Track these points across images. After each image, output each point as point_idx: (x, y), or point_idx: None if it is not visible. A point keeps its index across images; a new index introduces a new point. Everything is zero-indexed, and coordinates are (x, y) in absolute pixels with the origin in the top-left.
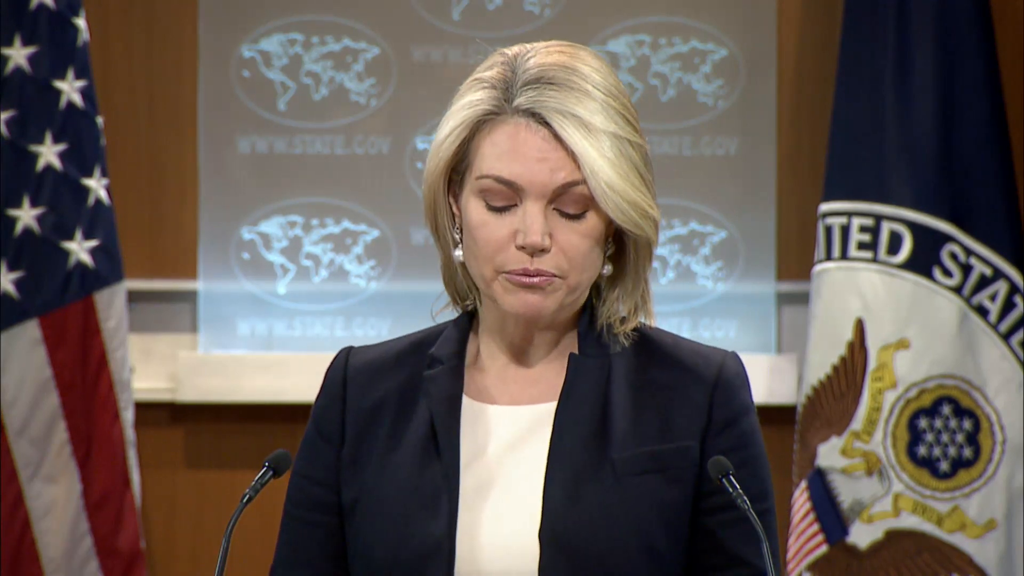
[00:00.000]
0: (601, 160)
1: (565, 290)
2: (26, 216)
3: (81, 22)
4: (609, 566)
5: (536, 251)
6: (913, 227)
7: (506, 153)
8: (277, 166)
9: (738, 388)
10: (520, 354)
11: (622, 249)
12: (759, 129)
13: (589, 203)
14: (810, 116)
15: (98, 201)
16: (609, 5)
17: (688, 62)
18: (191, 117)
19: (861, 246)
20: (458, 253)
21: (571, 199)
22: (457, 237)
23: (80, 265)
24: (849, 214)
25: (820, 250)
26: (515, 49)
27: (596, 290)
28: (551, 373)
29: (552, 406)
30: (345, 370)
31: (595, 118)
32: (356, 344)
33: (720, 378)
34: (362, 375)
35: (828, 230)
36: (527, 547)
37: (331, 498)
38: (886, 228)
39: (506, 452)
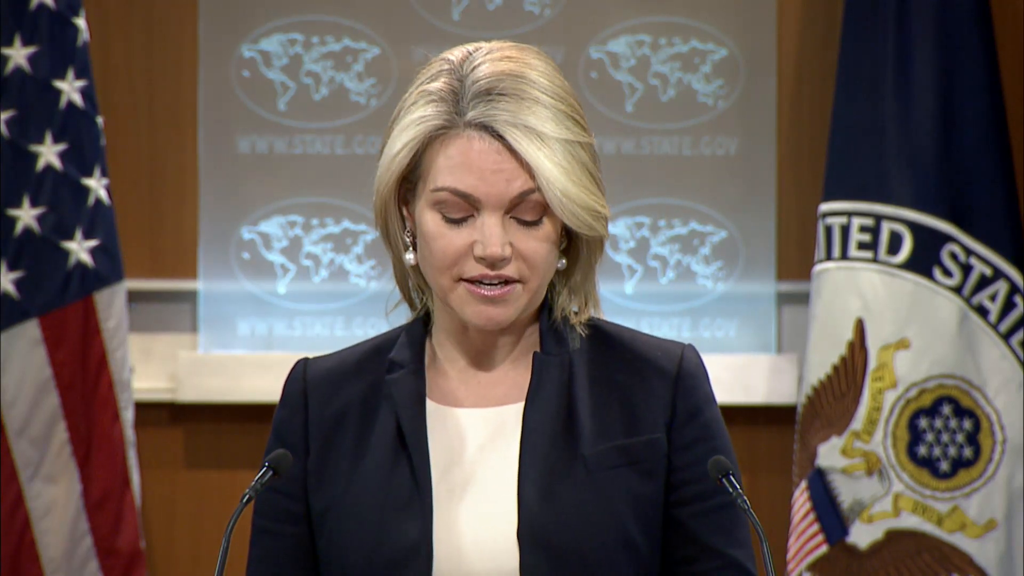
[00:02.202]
0: (555, 169)
1: (526, 296)
2: (26, 216)
3: (81, 22)
4: (588, 561)
5: (496, 262)
6: (913, 227)
7: (461, 166)
8: (277, 166)
9: (699, 380)
10: (480, 356)
11: (572, 242)
12: (759, 129)
13: (545, 210)
14: (810, 116)
15: (98, 201)
16: (609, 5)
17: (688, 62)
18: (191, 117)
19: (861, 246)
20: (409, 256)
21: (528, 207)
22: (408, 240)
23: (80, 265)
24: (849, 214)
25: (820, 250)
26: (459, 55)
27: (552, 286)
28: (513, 373)
29: (518, 407)
30: (304, 381)
31: (546, 126)
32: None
33: (681, 371)
34: (322, 385)
35: (828, 230)
36: (507, 546)
37: (299, 508)
38: (886, 228)
39: (477, 454)
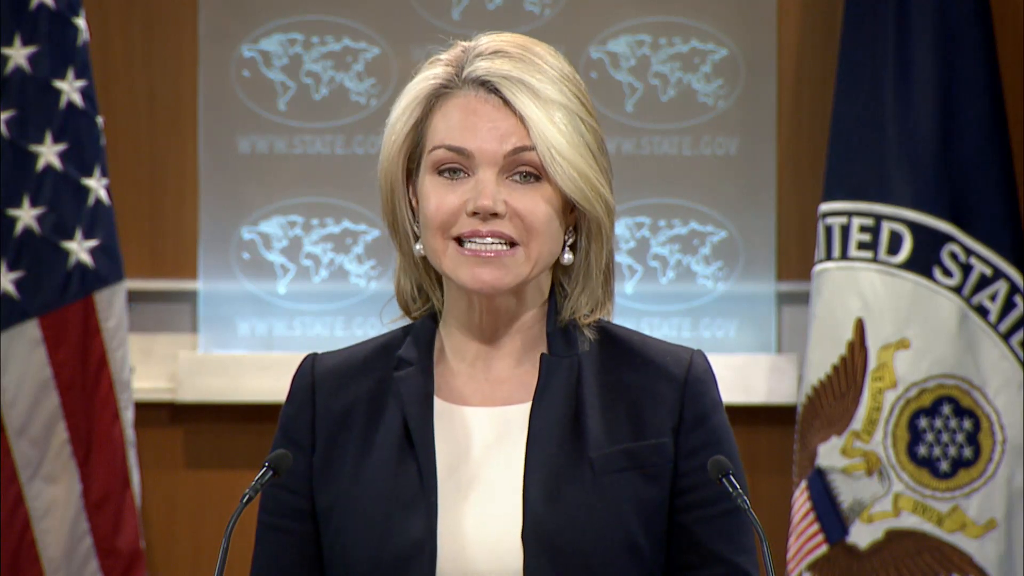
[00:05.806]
0: (551, 127)
1: (523, 259)
2: (26, 216)
3: (81, 22)
4: (592, 563)
5: (488, 215)
6: (913, 227)
7: (457, 122)
8: (277, 166)
9: (708, 385)
10: (488, 354)
11: (578, 239)
12: (759, 129)
13: (542, 171)
14: (810, 116)
15: (98, 201)
16: (609, 5)
17: (688, 62)
18: (191, 117)
19: (861, 246)
20: (419, 247)
21: (524, 165)
22: (417, 230)
23: (80, 265)
24: (849, 214)
25: (820, 250)
26: (471, 39)
27: (560, 288)
28: (520, 373)
29: (525, 407)
30: (312, 376)
31: (547, 88)
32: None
33: (690, 376)
34: (330, 380)
35: (828, 230)
36: (511, 547)
37: (305, 504)
38: (886, 228)
39: (483, 453)
